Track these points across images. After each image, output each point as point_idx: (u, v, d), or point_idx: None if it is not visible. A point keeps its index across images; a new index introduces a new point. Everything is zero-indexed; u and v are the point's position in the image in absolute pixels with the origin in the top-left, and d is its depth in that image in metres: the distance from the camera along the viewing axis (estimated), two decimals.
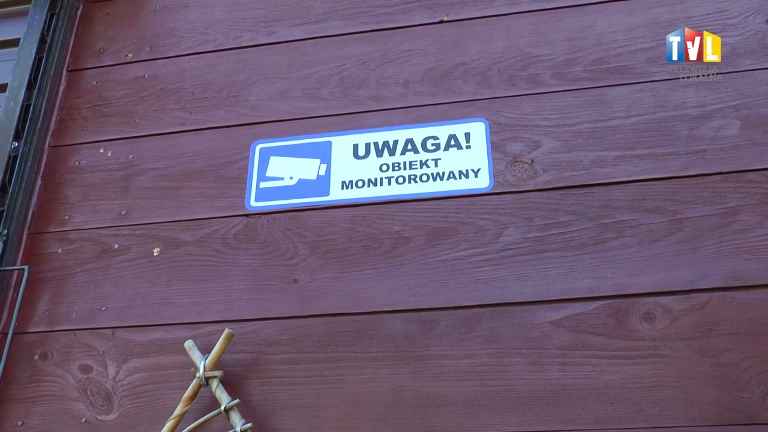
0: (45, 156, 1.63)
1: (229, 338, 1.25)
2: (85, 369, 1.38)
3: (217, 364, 1.25)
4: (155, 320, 1.39)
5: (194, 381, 1.24)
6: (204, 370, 1.23)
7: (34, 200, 1.58)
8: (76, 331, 1.42)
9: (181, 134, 1.57)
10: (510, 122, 1.43)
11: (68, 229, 1.53)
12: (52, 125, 1.67)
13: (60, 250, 1.51)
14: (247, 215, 1.43)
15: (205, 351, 1.27)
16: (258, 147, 1.49)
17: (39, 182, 1.60)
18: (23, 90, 1.63)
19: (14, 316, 1.42)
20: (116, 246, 1.48)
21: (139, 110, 1.63)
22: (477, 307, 1.27)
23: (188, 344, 1.28)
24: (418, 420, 1.21)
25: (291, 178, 1.44)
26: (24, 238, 1.54)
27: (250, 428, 1.18)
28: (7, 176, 1.53)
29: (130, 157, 1.57)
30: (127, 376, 1.35)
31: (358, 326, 1.29)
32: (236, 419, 1.18)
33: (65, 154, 1.63)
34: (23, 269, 1.46)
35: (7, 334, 1.42)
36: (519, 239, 1.31)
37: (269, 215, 1.42)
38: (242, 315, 1.33)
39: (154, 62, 1.70)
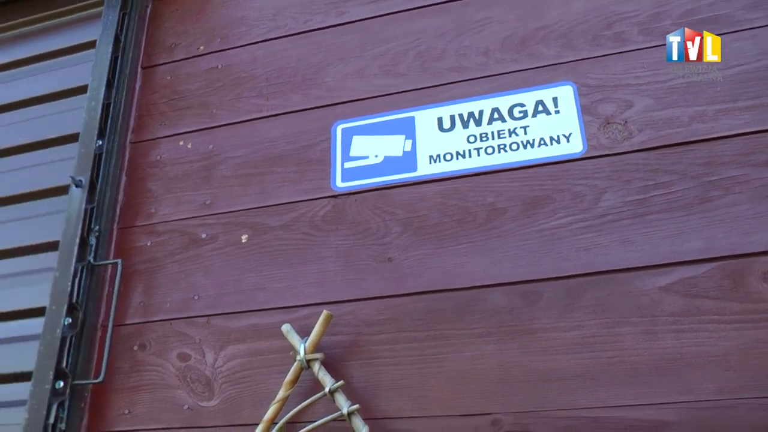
0: (127, 152, 1.65)
1: (329, 320, 1.23)
2: (184, 357, 1.39)
3: (317, 347, 1.24)
4: (249, 306, 1.38)
5: (295, 364, 1.23)
6: (305, 353, 1.21)
7: (120, 196, 1.60)
8: (171, 321, 1.43)
9: (259, 121, 1.56)
10: (599, 83, 1.37)
11: (155, 222, 1.54)
12: (132, 122, 1.69)
13: (149, 243, 1.53)
14: (334, 196, 1.41)
15: (303, 334, 1.26)
16: (339, 127, 1.47)
17: (123, 178, 1.62)
18: (102, 89, 1.64)
19: (112, 309, 1.44)
20: (204, 235, 1.49)
21: (215, 101, 1.63)
22: (581, 276, 1.22)
23: (285, 328, 1.27)
24: (529, 396, 1.16)
25: (376, 156, 1.41)
26: (114, 233, 1.56)
27: (357, 410, 1.16)
28: (95, 174, 1.55)
29: (210, 147, 1.58)
30: (226, 363, 1.36)
31: (459, 302, 1.25)
32: (342, 401, 1.17)
33: (146, 150, 1.64)
34: (117, 263, 1.48)
35: (107, 326, 1.44)
36: (619, 203, 1.26)
37: (357, 195, 1.40)
38: (337, 296, 1.32)
39: (225, 52, 1.69)
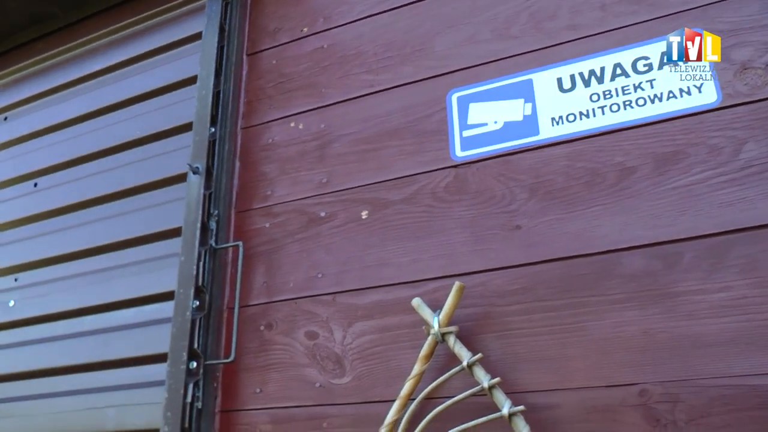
0: (239, 138, 1.67)
1: (461, 291, 1.20)
2: (311, 335, 1.39)
3: (450, 320, 1.20)
4: (374, 282, 1.37)
5: (429, 338, 1.20)
6: (439, 326, 1.18)
7: (235, 181, 1.62)
8: (296, 300, 1.44)
9: (370, 96, 1.54)
10: (731, 27, 1.27)
11: (272, 203, 1.55)
12: (241, 108, 1.70)
13: (268, 225, 1.54)
14: (454, 166, 1.37)
15: (433, 308, 1.23)
16: (454, 96, 1.43)
17: (237, 164, 1.64)
18: (211, 78, 1.66)
19: (237, 290, 1.46)
20: (322, 214, 1.48)
21: (323, 80, 1.62)
22: (725, 234, 1.13)
23: (416, 302, 1.25)
24: (677, 364, 1.09)
25: (495, 122, 1.37)
26: (232, 217, 1.58)
27: (497, 383, 1.12)
28: (210, 160, 1.57)
29: (322, 126, 1.57)
30: (355, 339, 1.34)
31: (594, 268, 1.19)
32: (481, 375, 1.13)
33: (257, 134, 1.65)
34: (238, 245, 1.50)
35: (233, 308, 1.46)
36: (763, 153, 1.16)
37: (478, 163, 1.35)
38: (466, 268, 1.28)
39: (330, 32, 1.68)
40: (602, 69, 1.33)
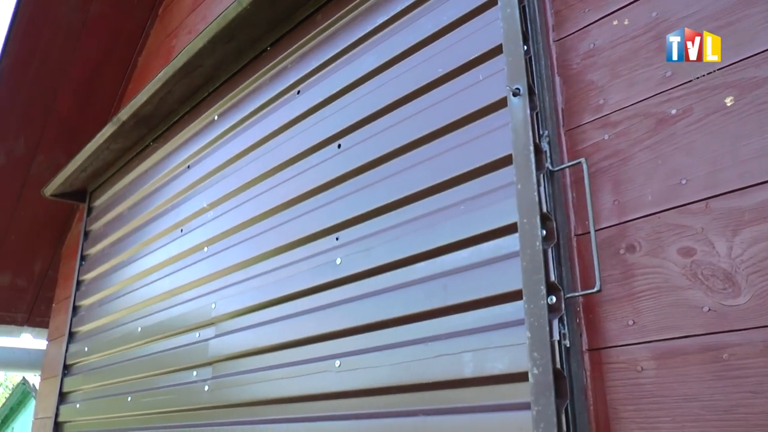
0: (553, 52, 1.51)
1: None
2: (687, 252, 1.19)
3: None
4: (760, 177, 1.13)
5: None
6: None
7: (558, 98, 1.47)
8: (658, 214, 1.25)
9: None
10: None
11: (608, 112, 1.37)
12: (550, 21, 1.55)
13: (606, 137, 1.36)
14: None
15: None
16: None
17: (557, 79, 1.48)
18: None
19: (590, 213, 1.30)
20: (673, 111, 1.27)
21: None
22: None
23: None
24: None
25: None
26: (562, 137, 1.44)
27: None
28: (530, 78, 1.44)
29: (653, 15, 1.35)
30: (746, 250, 1.12)
31: None
32: None
33: (574, 43, 1.48)
34: (580, 162, 1.34)
35: (584, 233, 1.31)
36: None
37: None
38: None
39: None
40: None
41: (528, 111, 1.39)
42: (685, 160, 1.23)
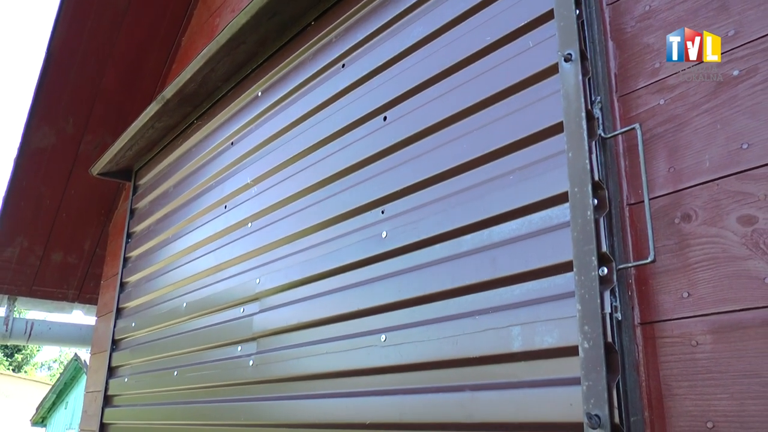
0: (606, 16, 1.46)
1: None
2: (747, 220, 1.14)
3: None
4: None
5: None
6: None
7: (611, 63, 1.42)
8: (717, 181, 1.19)
9: None
10: None
11: (663, 76, 1.32)
12: None
13: (662, 102, 1.30)
14: None
15: None
16: None
17: (610, 44, 1.43)
18: None
19: (644, 181, 1.25)
20: (735, 72, 1.21)
21: None
22: None
23: None
24: None
25: None
26: (615, 103, 1.38)
27: None
28: (582, 43, 1.39)
29: None
30: None
31: None
32: None
33: (628, 6, 1.42)
34: (634, 128, 1.29)
35: (638, 202, 1.27)
36: None
37: None
38: None
39: None
40: None
41: (580, 77, 1.35)
42: (747, 124, 1.17)
